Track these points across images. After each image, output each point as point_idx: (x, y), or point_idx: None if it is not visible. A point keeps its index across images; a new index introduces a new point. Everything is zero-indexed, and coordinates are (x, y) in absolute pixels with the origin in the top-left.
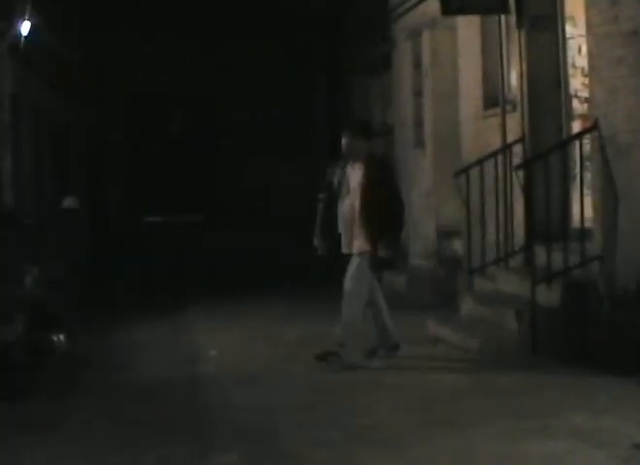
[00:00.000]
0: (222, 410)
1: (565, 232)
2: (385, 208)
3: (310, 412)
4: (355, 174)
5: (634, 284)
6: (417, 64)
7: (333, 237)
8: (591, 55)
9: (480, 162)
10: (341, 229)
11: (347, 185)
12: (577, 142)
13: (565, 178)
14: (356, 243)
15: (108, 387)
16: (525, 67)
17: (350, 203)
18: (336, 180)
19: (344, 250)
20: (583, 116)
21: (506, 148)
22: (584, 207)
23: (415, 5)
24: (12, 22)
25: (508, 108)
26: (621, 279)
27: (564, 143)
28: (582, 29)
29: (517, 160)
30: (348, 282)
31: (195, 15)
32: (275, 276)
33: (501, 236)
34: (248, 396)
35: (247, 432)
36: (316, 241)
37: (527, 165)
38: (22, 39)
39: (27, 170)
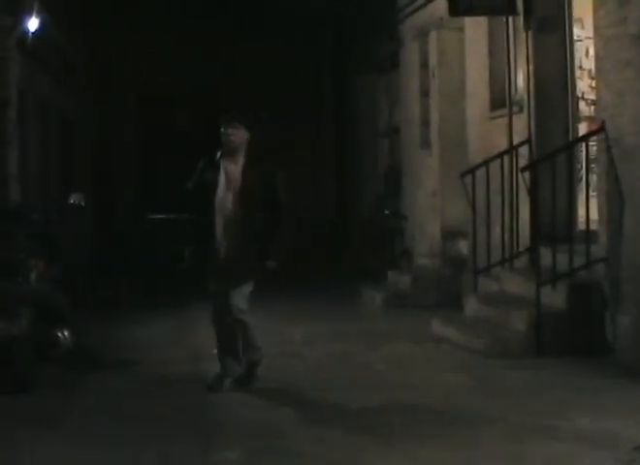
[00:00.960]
0: (223, 407)
1: (571, 233)
2: (269, 210)
3: (312, 409)
4: (236, 169)
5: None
6: (424, 64)
7: (208, 245)
8: (598, 57)
9: (486, 163)
10: (221, 231)
11: (228, 182)
12: (583, 144)
13: (571, 180)
14: (238, 249)
15: (110, 384)
16: (532, 68)
17: (230, 203)
18: (211, 177)
19: (222, 254)
20: (589, 118)
21: (512, 149)
22: (589, 209)
23: (423, 5)
24: (19, 18)
25: (515, 109)
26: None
27: (571, 145)
28: (589, 31)
29: (523, 161)
30: (239, 299)
31: (199, 15)
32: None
33: (507, 237)
34: (250, 393)
35: (249, 429)
36: (186, 252)
37: (533, 166)
38: (30, 35)
39: (33, 167)
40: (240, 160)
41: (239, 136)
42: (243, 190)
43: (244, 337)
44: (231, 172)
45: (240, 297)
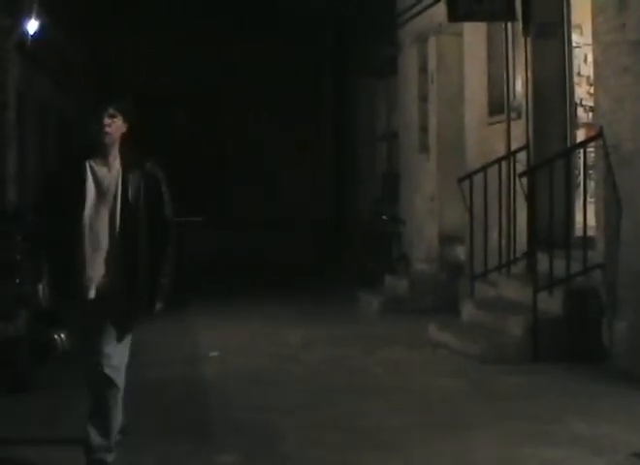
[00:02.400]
0: (222, 409)
1: (568, 239)
2: (155, 231)
3: (311, 413)
4: (110, 175)
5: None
6: (423, 69)
7: (71, 283)
8: (596, 64)
9: (484, 168)
10: (91, 263)
11: (100, 193)
12: (581, 150)
13: (569, 186)
14: (117, 287)
15: None
16: (530, 74)
17: (105, 223)
18: (75, 187)
19: (91, 294)
20: (587, 125)
21: (510, 155)
22: (587, 215)
23: (422, 10)
24: (18, 20)
25: (513, 115)
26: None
27: (569, 151)
28: (588, 38)
29: (521, 167)
30: (119, 355)
31: (199, 15)
32: (275, 276)
33: (504, 243)
34: (249, 396)
35: (247, 432)
36: (43, 290)
37: (530, 172)
38: (29, 37)
39: (31, 168)
40: (116, 162)
41: (115, 127)
42: (123, 205)
43: (114, 407)
44: (104, 180)
45: (121, 353)
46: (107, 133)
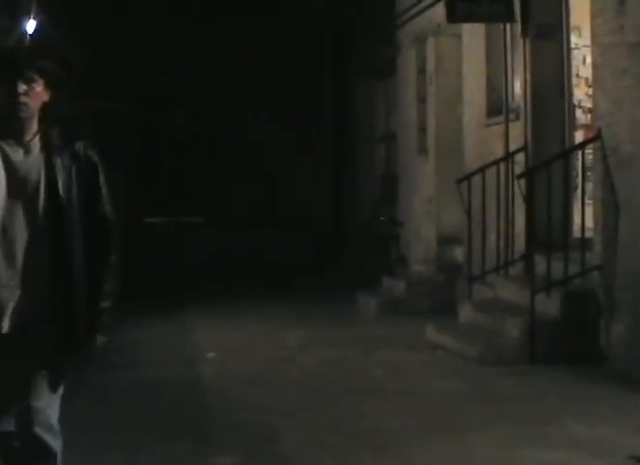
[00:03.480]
0: (222, 410)
1: (566, 241)
2: (94, 236)
3: (310, 414)
4: (30, 160)
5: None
6: (422, 70)
7: None
8: (595, 65)
9: (482, 169)
10: (4, 279)
11: (16, 186)
12: (580, 152)
13: (567, 188)
14: (42, 315)
15: (107, 386)
16: (529, 76)
17: (21, 223)
18: None
19: (6, 326)
20: (586, 126)
21: (509, 157)
22: (585, 217)
23: (421, 11)
24: (18, 20)
25: (511, 116)
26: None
27: (567, 153)
28: (587, 39)
29: (519, 168)
30: (52, 410)
31: (199, 15)
32: (274, 277)
33: (502, 244)
34: (248, 397)
35: (246, 433)
36: None
37: (529, 174)
38: (28, 37)
39: None
40: (36, 142)
41: (34, 97)
42: (50, 200)
43: None
44: (21, 167)
45: (55, 407)
46: (22, 104)
